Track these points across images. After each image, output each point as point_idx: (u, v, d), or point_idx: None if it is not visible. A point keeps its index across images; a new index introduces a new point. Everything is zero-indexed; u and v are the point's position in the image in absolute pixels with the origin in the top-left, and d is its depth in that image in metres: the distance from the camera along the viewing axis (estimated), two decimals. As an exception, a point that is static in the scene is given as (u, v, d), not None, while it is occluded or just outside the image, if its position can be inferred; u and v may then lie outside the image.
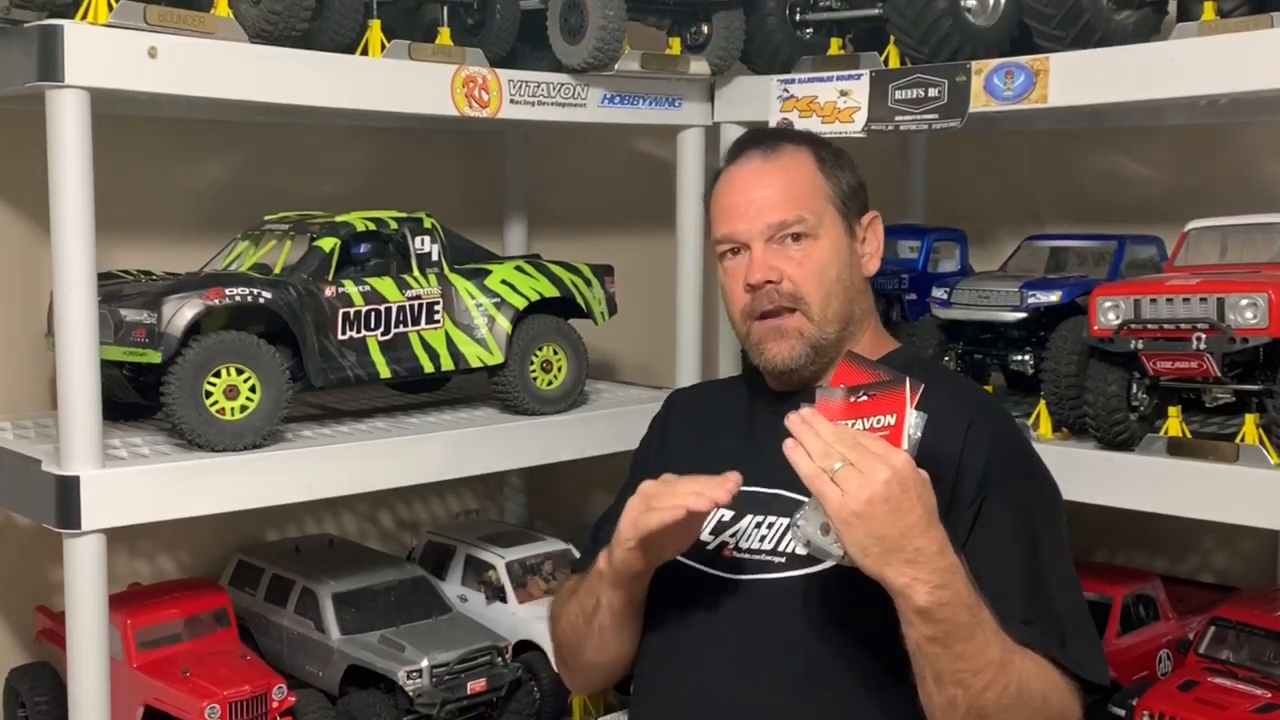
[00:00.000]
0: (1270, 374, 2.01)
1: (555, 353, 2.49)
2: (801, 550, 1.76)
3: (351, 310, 2.25)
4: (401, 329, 2.31)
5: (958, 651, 1.60)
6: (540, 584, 2.64)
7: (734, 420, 2.04)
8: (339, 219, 2.33)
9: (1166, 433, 2.10)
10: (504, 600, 2.63)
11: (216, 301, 2.06)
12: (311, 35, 2.18)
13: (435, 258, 2.39)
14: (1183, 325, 2.02)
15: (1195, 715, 2.12)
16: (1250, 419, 2.02)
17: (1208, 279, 2.06)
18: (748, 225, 1.95)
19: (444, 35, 2.37)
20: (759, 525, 1.89)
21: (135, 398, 2.23)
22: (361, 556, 2.69)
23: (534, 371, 2.46)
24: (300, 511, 2.89)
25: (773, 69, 2.66)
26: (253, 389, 2.09)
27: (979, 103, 2.27)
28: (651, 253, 3.04)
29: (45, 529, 1.96)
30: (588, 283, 2.58)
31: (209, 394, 2.04)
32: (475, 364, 2.40)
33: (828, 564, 1.74)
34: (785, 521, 1.83)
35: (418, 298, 2.34)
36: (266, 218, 2.42)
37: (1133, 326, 2.07)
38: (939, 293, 2.47)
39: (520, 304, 2.44)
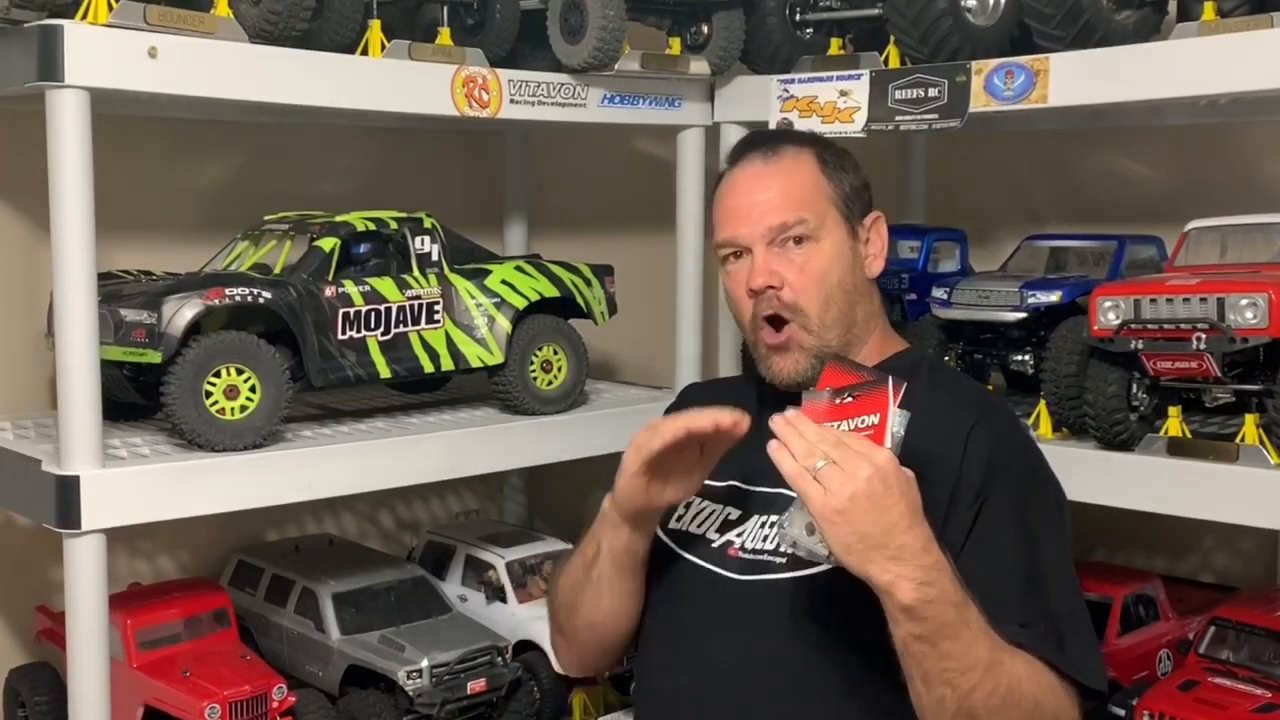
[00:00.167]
0: (1270, 374, 2.01)
1: (555, 353, 2.49)
2: (787, 550, 1.76)
3: (351, 310, 2.25)
4: (401, 329, 2.31)
5: (944, 650, 1.60)
6: (540, 584, 2.64)
7: None
8: (339, 219, 2.33)
9: (1166, 433, 2.10)
10: (504, 600, 2.63)
11: (216, 301, 2.06)
12: (311, 35, 2.18)
13: (435, 258, 2.39)
14: (1183, 325, 2.02)
15: (1195, 715, 2.12)
16: (1250, 419, 2.02)
17: (1208, 279, 2.06)
18: (749, 229, 1.95)
19: (444, 35, 2.37)
20: (763, 526, 1.89)
21: (135, 398, 2.23)
22: (361, 556, 2.69)
23: (534, 371, 2.46)
24: (300, 511, 2.89)
25: (773, 69, 2.66)
26: (253, 389, 2.09)
27: (979, 103, 2.27)
28: (651, 253, 3.04)
29: (45, 529, 1.96)
30: (588, 283, 2.58)
31: (209, 394, 2.04)
32: (475, 364, 2.40)
33: (827, 565, 1.75)
34: None
35: (418, 298, 2.34)
36: (266, 218, 2.42)
37: (1133, 326, 2.07)
38: (939, 293, 2.47)
39: (520, 304, 2.44)
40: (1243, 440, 2.02)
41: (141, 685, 2.22)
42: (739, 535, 1.91)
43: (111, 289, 2.13)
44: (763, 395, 2.04)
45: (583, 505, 3.14)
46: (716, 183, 2.07)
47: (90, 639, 1.92)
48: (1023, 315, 2.35)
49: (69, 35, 1.84)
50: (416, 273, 2.36)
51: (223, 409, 2.06)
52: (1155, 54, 2.11)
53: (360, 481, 2.24)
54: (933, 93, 2.33)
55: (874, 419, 1.63)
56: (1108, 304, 2.10)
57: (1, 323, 2.50)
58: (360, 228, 2.32)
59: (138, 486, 1.97)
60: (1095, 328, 2.12)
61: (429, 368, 2.35)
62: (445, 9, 2.41)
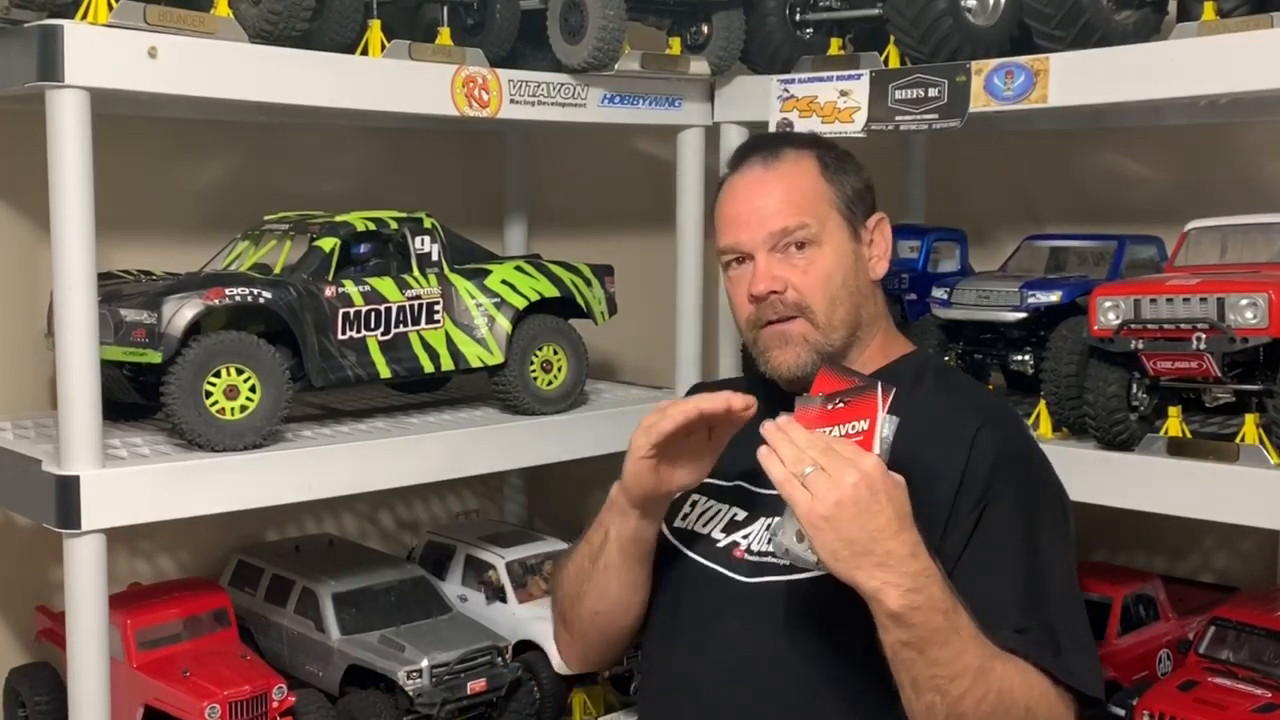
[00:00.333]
0: (1270, 374, 2.01)
1: (555, 353, 2.49)
2: (778, 557, 1.76)
3: (351, 310, 2.25)
4: (401, 329, 2.31)
5: (932, 657, 1.60)
6: (540, 584, 2.64)
7: (749, 422, 2.04)
8: (339, 219, 2.33)
9: (1166, 433, 2.10)
10: (504, 600, 2.63)
11: (216, 301, 2.06)
12: (311, 35, 2.18)
13: (435, 258, 2.39)
14: (1183, 325, 2.02)
15: (1195, 715, 2.12)
16: (1250, 419, 2.02)
17: (1208, 279, 2.06)
18: (750, 235, 1.95)
19: (444, 35, 2.37)
20: (768, 528, 1.89)
21: (135, 398, 2.23)
22: (361, 556, 2.69)
23: (534, 371, 2.46)
24: (300, 511, 2.89)
25: (773, 69, 2.66)
26: (253, 389, 2.09)
27: (979, 103, 2.27)
28: (651, 253, 3.04)
29: (45, 529, 1.96)
30: (588, 283, 2.58)
31: (209, 394, 2.04)
32: (475, 364, 2.40)
33: (818, 571, 1.76)
34: None
35: (418, 298, 2.34)
36: (266, 218, 2.42)
37: (1133, 326, 2.07)
38: (939, 293, 2.47)
39: (520, 304, 2.44)
40: (1243, 440, 2.01)
41: (141, 685, 2.22)
42: (745, 537, 1.91)
43: (111, 289, 2.12)
44: (770, 398, 2.04)
45: (583, 505, 3.14)
46: (718, 188, 2.07)
47: (90, 639, 1.92)
48: (1023, 315, 2.35)
49: (69, 35, 1.84)
50: (416, 273, 2.36)
51: (223, 409, 2.06)
52: (1155, 54, 2.11)
53: (360, 481, 2.24)
54: (933, 93, 2.33)
55: (864, 425, 1.63)
56: (1108, 304, 2.10)
57: (1, 323, 2.50)
58: (360, 228, 2.32)
59: (138, 486, 1.97)
60: (1095, 328, 2.12)
61: (429, 368, 2.35)
62: (445, 9, 2.41)
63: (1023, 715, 1.66)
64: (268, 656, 2.45)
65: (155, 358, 2.02)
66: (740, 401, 1.77)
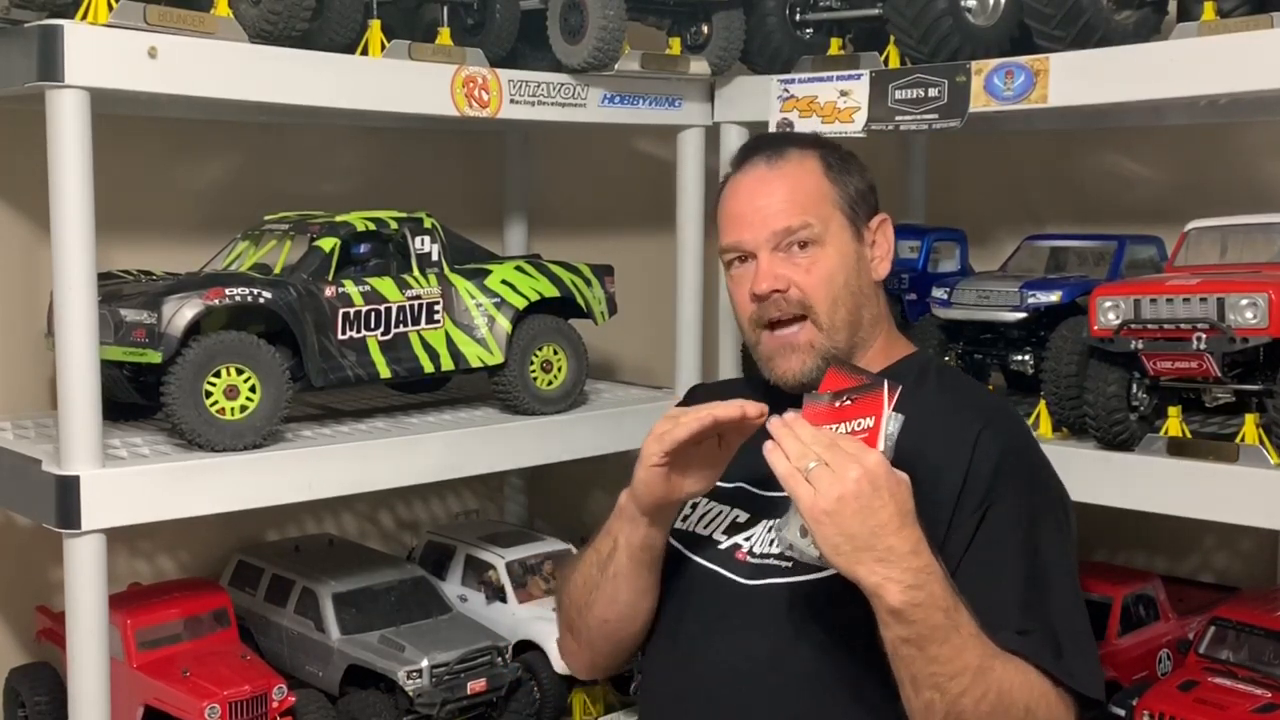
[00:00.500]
0: (1270, 374, 2.01)
1: (555, 353, 2.49)
2: (779, 549, 1.76)
3: (351, 310, 2.25)
4: (401, 329, 2.31)
5: (932, 654, 1.60)
6: (540, 584, 2.64)
7: None
8: (339, 219, 2.33)
9: (1166, 433, 2.10)
10: (504, 600, 2.63)
11: (216, 301, 2.06)
12: (311, 35, 2.18)
13: (435, 258, 2.39)
14: (1183, 325, 2.02)
15: (1195, 715, 2.12)
16: (1250, 419, 2.02)
17: (1208, 279, 2.06)
18: (753, 234, 1.95)
19: (444, 35, 2.37)
20: (771, 530, 1.89)
21: (135, 398, 2.23)
22: (361, 556, 2.69)
23: (534, 371, 2.46)
24: (300, 511, 2.89)
25: (773, 69, 2.66)
26: (253, 389, 2.09)
27: (979, 103, 2.27)
28: (651, 253, 3.04)
29: (45, 529, 1.96)
30: (588, 283, 2.58)
31: (209, 394, 2.04)
32: (475, 364, 2.40)
33: (835, 570, 1.76)
34: None
35: (418, 298, 2.34)
36: (266, 218, 2.42)
37: (1133, 326, 2.07)
38: (939, 293, 2.47)
39: (520, 304, 2.44)
40: (1243, 440, 2.01)
41: (141, 685, 2.22)
42: (747, 539, 1.91)
43: (111, 289, 2.13)
44: (771, 399, 2.04)
45: (583, 505, 3.15)
46: (720, 187, 2.06)
47: (90, 639, 1.92)
48: (1023, 315, 2.35)
49: (69, 35, 1.84)
50: (416, 273, 2.36)
51: (223, 409, 2.06)
52: (1155, 54, 2.11)
53: (360, 481, 2.24)
54: (933, 93, 2.33)
55: (869, 422, 1.64)
56: (1108, 304, 2.10)
57: (1, 323, 2.50)
58: (360, 228, 2.32)
59: (138, 486, 1.97)
60: (1095, 328, 2.12)
61: (429, 368, 2.35)
62: (445, 9, 2.41)
63: (1022, 715, 1.66)
64: (268, 656, 2.45)
65: (155, 358, 2.02)
66: (754, 409, 1.76)
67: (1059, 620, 1.76)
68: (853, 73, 2.45)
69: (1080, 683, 1.73)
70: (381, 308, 2.28)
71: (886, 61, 2.45)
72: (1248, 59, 1.99)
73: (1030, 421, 2.25)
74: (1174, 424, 2.10)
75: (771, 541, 1.87)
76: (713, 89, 2.73)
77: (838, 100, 2.46)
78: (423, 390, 2.67)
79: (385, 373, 2.30)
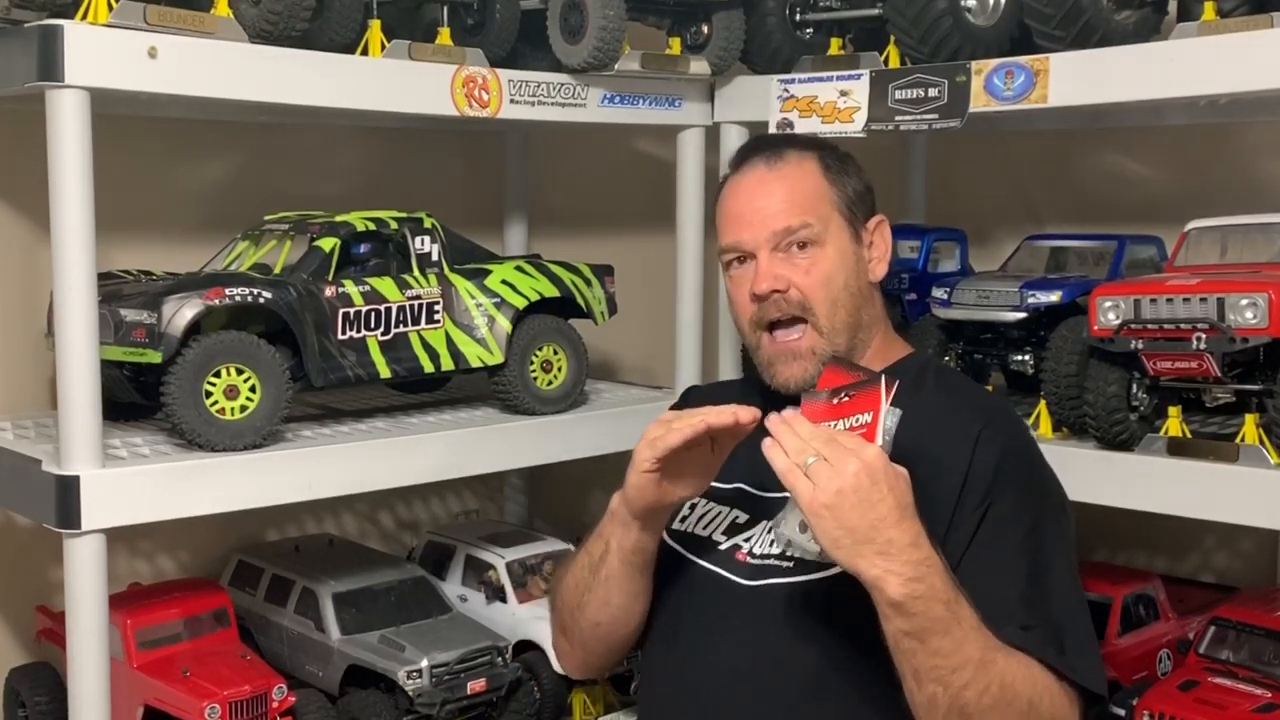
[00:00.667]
0: (1270, 374, 2.01)
1: (555, 353, 2.49)
2: (779, 549, 1.76)
3: (351, 310, 2.25)
4: (401, 329, 2.31)
5: (934, 647, 1.61)
6: (540, 584, 2.64)
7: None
8: (339, 219, 2.33)
9: (1166, 433, 2.10)
10: (504, 600, 2.63)
11: (216, 301, 2.06)
12: (311, 35, 2.18)
13: (435, 258, 2.39)
14: (1183, 325, 2.02)
15: (1195, 715, 2.12)
16: (1250, 419, 2.02)
17: (1208, 279, 2.06)
18: (753, 234, 1.95)
19: (444, 35, 2.37)
20: (769, 530, 1.89)
21: (135, 398, 2.23)
22: (361, 556, 2.69)
23: (534, 371, 2.46)
24: (300, 511, 2.89)
25: (773, 69, 2.66)
26: (253, 389, 2.09)
27: (979, 103, 2.27)
28: (651, 253, 3.04)
29: (45, 529, 1.96)
30: (588, 283, 2.58)
31: (209, 394, 2.04)
32: (475, 364, 2.40)
33: (836, 569, 1.76)
34: None
35: (418, 298, 2.34)
36: (266, 218, 2.42)
37: (1133, 326, 2.07)
38: (939, 293, 2.47)
39: (520, 304, 2.44)
40: (1243, 440, 2.02)
41: (141, 685, 2.22)
42: (747, 540, 1.91)
43: (111, 289, 2.13)
44: (767, 401, 2.04)
45: (583, 505, 3.15)
46: (719, 187, 2.07)
47: (90, 639, 1.92)
48: (1023, 315, 2.35)
49: (69, 35, 1.84)
50: (416, 273, 2.36)
51: (223, 409, 2.06)
52: (1155, 54, 2.11)
53: (360, 481, 2.24)
54: (933, 93, 2.33)
55: (867, 417, 1.65)
56: (1108, 304, 2.10)
57: (1, 323, 2.50)
58: (360, 228, 2.32)
59: (138, 486, 1.97)
60: (1095, 328, 2.12)
61: (429, 368, 2.35)
62: (445, 9, 2.41)
63: (1025, 708, 1.66)
64: (268, 656, 2.45)
65: (155, 358, 2.02)
66: (747, 414, 1.76)
67: (1061, 617, 1.76)
68: (853, 73, 2.45)
69: (1085, 678, 1.73)
70: (381, 308, 2.28)
71: (886, 61, 2.45)
72: (1248, 59, 1.99)
73: (1030, 421, 2.25)
74: (1174, 424, 2.10)
75: (771, 542, 1.87)
76: (713, 89, 2.73)
77: (838, 100, 2.46)
78: (423, 390, 2.67)
79: (385, 373, 2.30)
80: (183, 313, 2.02)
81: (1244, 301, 1.97)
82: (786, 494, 1.83)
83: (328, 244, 2.26)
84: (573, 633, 2.05)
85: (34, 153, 1.89)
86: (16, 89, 1.92)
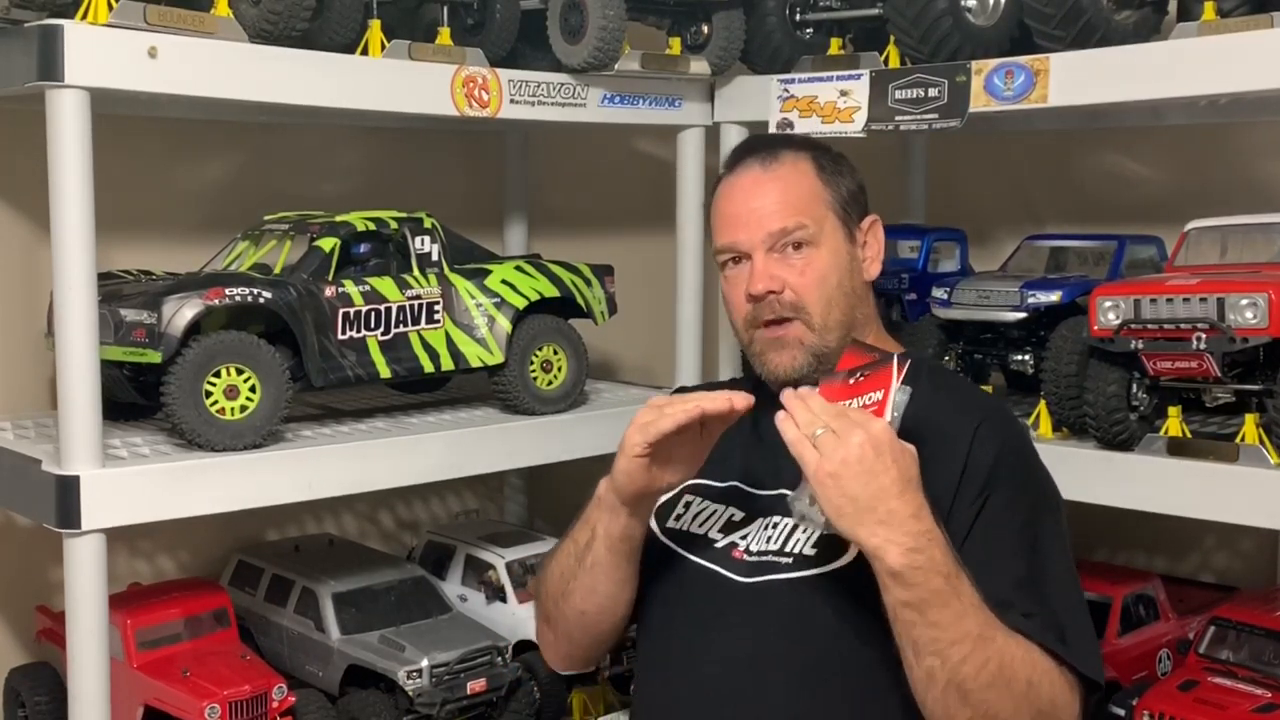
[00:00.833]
0: (1270, 374, 2.01)
1: (555, 353, 2.49)
2: (775, 547, 1.76)
3: (351, 310, 2.25)
4: (401, 329, 2.31)
5: (933, 619, 1.61)
6: (540, 584, 2.64)
7: (741, 423, 2.04)
8: (339, 219, 2.33)
9: (1166, 433, 2.10)
10: (504, 600, 2.63)
11: (216, 301, 2.06)
12: (311, 35, 2.18)
13: (435, 258, 2.39)
14: (1183, 325, 2.02)
15: (1195, 715, 2.12)
16: (1250, 419, 2.02)
17: (1208, 279, 2.06)
18: (748, 235, 1.95)
19: (444, 35, 2.37)
20: (766, 527, 1.89)
21: (135, 398, 2.23)
22: (361, 556, 2.69)
23: (534, 371, 2.46)
24: (300, 511, 2.89)
25: (773, 69, 2.66)
26: (253, 389, 2.09)
27: (979, 103, 2.27)
28: (651, 253, 3.04)
29: (45, 529, 1.96)
30: (588, 283, 2.58)
31: (209, 394, 2.04)
32: (475, 364, 2.40)
33: (834, 565, 1.77)
34: (791, 522, 1.84)
35: (418, 298, 2.34)
36: (266, 218, 2.42)
37: (1133, 326, 2.07)
38: (939, 293, 2.47)
39: (520, 304, 2.44)
40: (1243, 440, 2.02)
41: (141, 685, 2.22)
42: (744, 538, 1.91)
43: (111, 289, 2.13)
44: (761, 400, 2.04)
45: (582, 505, 3.14)
46: (714, 188, 2.07)
47: (90, 639, 1.92)
48: (1023, 315, 2.35)
49: (69, 35, 1.84)
50: (416, 273, 2.36)
51: (223, 409, 2.06)
52: (1155, 54, 2.12)
53: (360, 481, 2.24)
54: (933, 93, 2.33)
55: (878, 395, 1.69)
56: (1108, 304, 2.10)
57: (1, 323, 2.50)
58: (360, 228, 2.32)
59: (138, 486, 1.97)
60: (1095, 328, 2.12)
61: (429, 368, 2.35)
62: (445, 9, 2.41)
63: (1024, 689, 1.67)
64: (268, 656, 2.45)
65: (155, 358, 2.02)
66: (742, 400, 1.78)
67: (1061, 606, 1.77)
68: (853, 73, 2.45)
69: (1085, 665, 1.74)
70: (381, 308, 2.28)
71: (886, 61, 2.45)
72: (1248, 59, 1.99)
73: (1030, 421, 2.25)
74: (1174, 424, 2.10)
75: (770, 539, 1.88)
76: (713, 89, 2.73)
77: (838, 100, 2.46)
78: (423, 390, 2.67)
79: (385, 373, 2.30)
80: (183, 313, 2.02)
81: (1244, 301, 1.97)
82: (782, 491, 1.85)
83: (328, 244, 2.26)
84: (557, 622, 2.05)
85: (34, 153, 1.89)
86: (16, 89, 1.92)
